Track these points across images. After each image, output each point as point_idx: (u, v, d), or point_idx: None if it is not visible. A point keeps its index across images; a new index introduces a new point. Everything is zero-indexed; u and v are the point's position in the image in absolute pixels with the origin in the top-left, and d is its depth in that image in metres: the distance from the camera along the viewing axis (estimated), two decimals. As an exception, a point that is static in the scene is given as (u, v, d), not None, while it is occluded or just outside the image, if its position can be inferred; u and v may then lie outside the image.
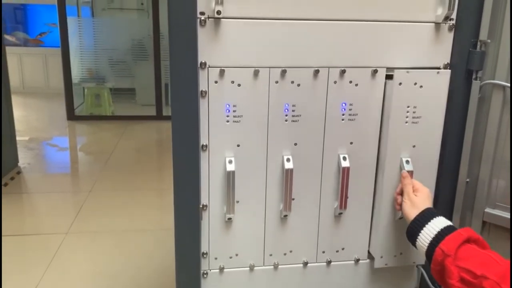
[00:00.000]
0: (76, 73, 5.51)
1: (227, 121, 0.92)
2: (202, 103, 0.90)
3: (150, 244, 2.55)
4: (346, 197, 0.99)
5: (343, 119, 0.96)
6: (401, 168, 0.97)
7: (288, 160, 0.95)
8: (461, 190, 1.02)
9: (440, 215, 0.87)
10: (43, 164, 4.13)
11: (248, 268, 1.01)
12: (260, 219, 0.99)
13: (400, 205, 0.95)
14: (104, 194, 3.34)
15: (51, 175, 3.92)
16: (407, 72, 0.93)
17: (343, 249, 1.04)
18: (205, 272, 0.99)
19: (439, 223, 0.84)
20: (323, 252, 1.03)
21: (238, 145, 0.94)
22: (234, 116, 0.92)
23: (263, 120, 0.93)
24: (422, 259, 1.04)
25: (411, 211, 0.89)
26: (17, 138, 3.88)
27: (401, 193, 0.96)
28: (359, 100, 0.95)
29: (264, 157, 0.95)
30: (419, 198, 0.91)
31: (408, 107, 0.95)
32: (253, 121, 0.93)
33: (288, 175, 0.95)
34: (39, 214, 3.13)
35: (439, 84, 0.95)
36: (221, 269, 1.00)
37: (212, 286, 1.00)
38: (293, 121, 0.94)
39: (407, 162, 0.97)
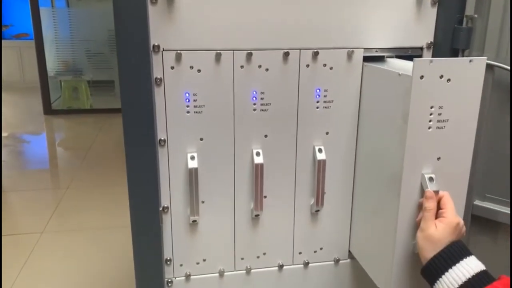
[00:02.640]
0: (51, 65, 5.31)
1: (187, 112, 0.81)
2: (158, 92, 0.79)
3: (130, 242, 2.45)
4: (323, 192, 0.90)
5: (317, 107, 0.86)
6: (423, 187, 0.75)
7: (258, 154, 0.85)
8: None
9: (471, 252, 0.68)
10: (18, 161, 3.97)
11: (218, 274, 0.92)
12: (229, 220, 0.89)
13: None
14: (83, 191, 3.22)
15: (27, 172, 3.77)
16: (431, 62, 0.69)
17: (321, 249, 0.95)
18: (169, 280, 0.90)
19: (471, 265, 0.65)
20: (300, 253, 0.94)
21: (201, 139, 0.83)
22: (195, 106, 0.81)
23: (228, 110, 0.83)
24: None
25: (427, 247, 0.69)
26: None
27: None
28: (334, 85, 0.85)
29: (231, 152, 0.85)
30: (440, 231, 0.69)
31: (432, 107, 0.72)
32: (217, 112, 0.82)
33: (258, 170, 0.85)
34: (13, 214, 3.01)
35: (472, 76, 0.72)
36: (188, 277, 0.90)
37: (177, 296, 0.91)
38: (262, 110, 0.84)
39: (431, 179, 0.74)
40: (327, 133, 0.88)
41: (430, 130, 0.73)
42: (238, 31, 0.79)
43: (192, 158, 0.83)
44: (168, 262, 0.89)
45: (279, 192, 0.89)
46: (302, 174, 0.89)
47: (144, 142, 0.79)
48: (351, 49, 0.84)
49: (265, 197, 0.89)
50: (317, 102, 0.86)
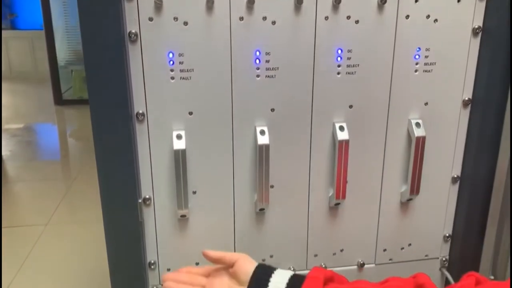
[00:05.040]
0: (62, 55, 5.22)
1: (172, 78, 0.64)
2: (132, 51, 0.61)
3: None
4: (345, 181, 0.71)
5: (339, 73, 0.68)
6: (410, 133, 0.72)
7: (262, 132, 0.68)
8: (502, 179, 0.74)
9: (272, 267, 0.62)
10: (26, 151, 3.89)
11: (214, 281, 0.75)
12: (227, 216, 0.72)
13: None
14: (90, 182, 3.12)
15: (35, 162, 3.69)
16: (416, 1, 0.65)
17: (342, 251, 0.77)
18: (154, 287, 0.73)
19: (281, 276, 0.60)
20: (315, 255, 0.76)
21: (190, 113, 0.66)
22: (182, 71, 0.64)
23: (224, 75, 0.65)
24: (440, 251, 0.79)
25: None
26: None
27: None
28: (361, 44, 0.67)
29: (228, 130, 0.68)
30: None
31: (418, 49, 0.68)
32: (210, 78, 0.65)
33: (263, 153, 0.67)
34: (18, 204, 2.93)
35: (461, 17, 0.68)
36: (177, 284, 0.73)
37: (164, 307, 0.74)
38: (268, 76, 0.66)
39: (418, 125, 0.71)
40: (350, 106, 0.70)
41: (417, 73, 0.69)
42: (236, -29, 0.61)
43: (179, 137, 0.66)
44: (152, 266, 0.72)
45: (289, 180, 0.71)
46: (319, 158, 0.71)
47: (116, 116, 0.62)
48: (383, -4, 0.65)
49: (272, 186, 0.71)
50: (338, 66, 0.67)
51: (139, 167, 0.66)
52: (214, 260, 0.64)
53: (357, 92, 0.69)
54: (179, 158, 0.65)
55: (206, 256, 0.65)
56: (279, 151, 0.70)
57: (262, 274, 0.60)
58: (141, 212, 0.67)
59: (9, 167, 3.46)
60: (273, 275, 0.60)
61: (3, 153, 3.61)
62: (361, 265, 0.78)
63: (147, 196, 0.68)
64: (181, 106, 0.65)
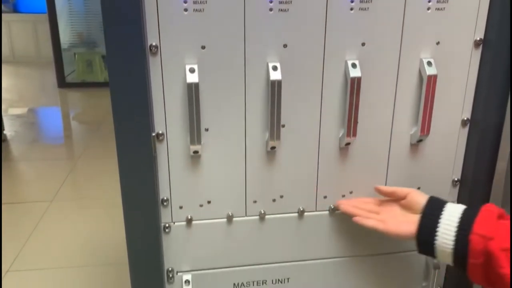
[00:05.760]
0: (65, 38, 5.21)
1: (185, 10, 0.64)
2: (147, -19, 0.62)
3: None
4: (356, 121, 0.72)
5: (352, 8, 0.68)
6: (421, 72, 0.72)
7: (274, 68, 0.68)
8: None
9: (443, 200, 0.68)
10: (30, 132, 3.91)
11: (225, 220, 0.75)
12: (239, 153, 0.73)
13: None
14: (94, 162, 3.14)
15: (39, 143, 3.71)
16: None
17: (351, 192, 0.78)
18: (166, 225, 0.74)
19: (454, 207, 0.65)
20: (325, 197, 0.77)
21: (203, 47, 0.66)
22: (195, 2, 0.64)
23: (237, 9, 0.65)
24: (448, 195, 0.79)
25: (404, 225, 0.68)
26: (4, 106, 3.67)
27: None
28: (374, -22, 0.67)
29: (240, 64, 0.68)
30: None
31: None
32: (223, 11, 0.65)
33: (275, 88, 0.68)
34: (23, 182, 2.95)
35: None
36: (189, 221, 0.74)
37: (177, 243, 0.75)
38: (281, 10, 0.66)
39: (429, 63, 0.70)
40: (363, 44, 0.70)
41: (429, 11, 0.69)
42: None
43: (192, 70, 0.66)
44: (165, 203, 0.73)
45: (300, 118, 0.72)
46: (330, 96, 0.71)
47: (130, 48, 0.62)
48: None
49: (283, 126, 0.71)
50: (351, 1, 0.67)
51: (152, 100, 0.67)
52: (387, 194, 0.74)
53: (369, 29, 0.69)
54: (192, 91, 0.66)
55: (378, 191, 0.74)
56: (291, 89, 0.70)
57: (437, 203, 0.66)
58: (154, 146, 0.68)
59: (14, 147, 3.48)
60: (447, 204, 0.65)
61: (7, 133, 3.63)
62: (370, 208, 0.79)
63: (160, 131, 0.69)
64: (194, 39, 0.66)
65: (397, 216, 0.71)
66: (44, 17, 5.29)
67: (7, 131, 3.68)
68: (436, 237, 0.63)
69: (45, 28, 5.52)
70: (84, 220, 2.29)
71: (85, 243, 2.06)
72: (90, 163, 3.14)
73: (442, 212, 0.64)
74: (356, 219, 0.72)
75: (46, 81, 5.42)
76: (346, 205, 0.74)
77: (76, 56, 5.29)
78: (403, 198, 0.71)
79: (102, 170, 2.90)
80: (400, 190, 0.72)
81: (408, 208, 0.71)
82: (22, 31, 6.51)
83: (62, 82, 5.12)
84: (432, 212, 0.65)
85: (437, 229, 0.63)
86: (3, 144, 3.45)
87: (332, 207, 0.78)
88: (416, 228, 0.65)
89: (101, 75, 5.29)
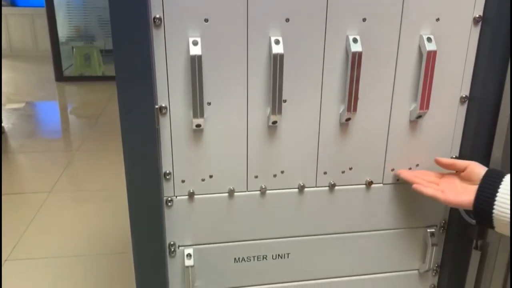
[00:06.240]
0: (63, 31, 5.19)
1: (189, -18, 0.65)
2: (151, -47, 0.62)
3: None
4: (357, 96, 0.73)
5: (352, -17, 0.69)
6: (421, 48, 0.72)
7: (277, 42, 0.69)
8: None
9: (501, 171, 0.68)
10: (28, 125, 3.90)
11: (227, 194, 0.76)
12: (241, 128, 0.73)
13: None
14: (91, 154, 3.14)
15: (37, 136, 3.71)
16: None
17: (351, 169, 0.79)
18: (169, 198, 0.75)
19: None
20: (325, 173, 0.78)
21: (206, 20, 0.67)
22: (198, -25, 0.65)
23: (240, -19, 0.66)
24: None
25: (462, 197, 0.69)
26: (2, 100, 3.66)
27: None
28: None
29: (243, 37, 0.69)
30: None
31: None
32: (226, -16, 0.66)
33: (277, 62, 0.68)
34: (21, 173, 2.95)
35: None
36: (191, 195, 0.75)
37: (179, 217, 0.76)
38: (283, -17, 0.67)
39: (429, 39, 0.71)
40: (364, 19, 0.71)
41: None
42: None
43: (195, 43, 0.67)
44: (168, 177, 0.74)
45: (301, 94, 0.73)
46: (332, 71, 0.72)
47: (134, 21, 0.63)
48: None
49: (285, 101, 0.72)
50: (353, -23, 0.68)
51: (155, 72, 0.67)
52: (447, 165, 0.75)
53: (370, 4, 0.70)
54: (195, 64, 0.66)
55: (438, 163, 0.75)
56: (292, 64, 0.71)
57: (495, 174, 0.67)
58: (157, 119, 0.69)
59: (12, 139, 3.48)
60: (506, 176, 0.65)
61: (5, 126, 3.62)
62: (369, 184, 0.80)
63: (163, 104, 0.70)
64: (197, 12, 0.66)
65: (457, 187, 0.71)
66: (42, 11, 5.27)
67: (5, 124, 3.67)
68: (494, 207, 0.63)
69: (43, 21, 5.50)
70: (82, 211, 2.30)
71: (82, 233, 2.07)
72: (88, 156, 3.14)
73: (502, 183, 0.64)
74: (415, 186, 0.73)
75: (44, 75, 5.40)
76: (407, 173, 0.76)
77: (74, 50, 5.27)
78: (463, 170, 0.72)
79: (100, 162, 2.90)
80: (460, 162, 0.73)
81: (467, 179, 0.71)
82: (20, 24, 6.48)
83: (60, 76, 5.10)
84: (490, 182, 0.65)
85: (496, 198, 0.63)
86: (2, 137, 3.44)
87: (332, 182, 0.79)
88: (474, 197, 0.65)
89: (99, 69, 5.27)
